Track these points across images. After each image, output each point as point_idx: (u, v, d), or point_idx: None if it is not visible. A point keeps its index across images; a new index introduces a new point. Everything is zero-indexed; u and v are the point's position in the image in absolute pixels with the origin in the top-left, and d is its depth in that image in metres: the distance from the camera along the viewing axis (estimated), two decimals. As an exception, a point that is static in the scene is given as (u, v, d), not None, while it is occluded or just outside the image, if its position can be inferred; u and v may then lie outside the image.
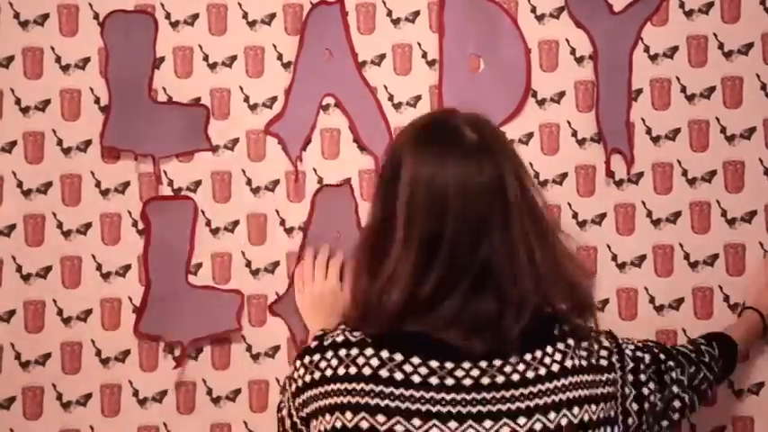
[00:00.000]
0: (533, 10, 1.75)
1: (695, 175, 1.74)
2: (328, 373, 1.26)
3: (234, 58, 1.74)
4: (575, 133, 1.74)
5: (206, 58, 1.74)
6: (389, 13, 1.75)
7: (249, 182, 1.74)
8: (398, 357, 1.24)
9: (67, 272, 1.72)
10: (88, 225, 1.73)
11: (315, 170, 1.74)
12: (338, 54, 1.74)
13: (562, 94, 1.75)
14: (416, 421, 1.21)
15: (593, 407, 1.26)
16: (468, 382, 1.24)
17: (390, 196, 1.28)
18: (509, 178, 1.27)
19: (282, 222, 1.73)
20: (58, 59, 1.73)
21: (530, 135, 1.74)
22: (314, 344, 1.30)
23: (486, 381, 1.24)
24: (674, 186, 1.74)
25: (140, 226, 1.72)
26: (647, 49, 1.75)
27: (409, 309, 1.25)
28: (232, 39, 1.74)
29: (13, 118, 1.73)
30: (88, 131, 1.73)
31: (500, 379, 1.24)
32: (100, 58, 1.73)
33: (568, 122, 1.74)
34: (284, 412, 1.35)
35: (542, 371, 1.25)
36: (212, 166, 1.74)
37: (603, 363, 1.31)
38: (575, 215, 1.73)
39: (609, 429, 1.27)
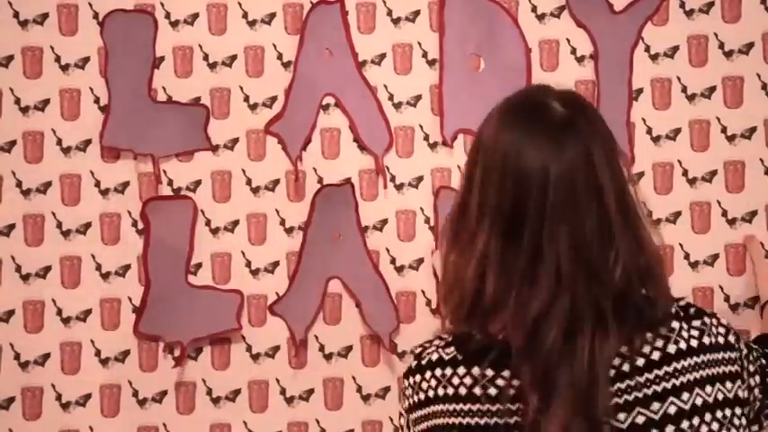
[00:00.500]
0: (534, 9, 1.75)
1: (696, 175, 1.74)
2: (430, 394, 1.23)
3: (234, 57, 1.74)
4: (575, 133, 1.74)
5: (206, 57, 1.74)
6: (389, 13, 1.75)
7: (249, 182, 1.73)
8: (489, 373, 1.19)
9: (67, 272, 1.72)
10: (88, 225, 1.72)
11: (315, 170, 1.73)
12: (338, 54, 1.74)
13: (562, 93, 1.74)
14: None
15: (721, 385, 1.18)
16: None
17: (470, 171, 1.22)
18: (597, 158, 1.17)
19: (282, 222, 1.73)
20: (58, 59, 1.73)
21: (530, 135, 1.74)
22: (414, 363, 1.27)
23: None
24: (675, 186, 1.74)
25: (140, 226, 1.72)
26: (647, 49, 1.74)
27: (497, 303, 1.18)
28: (232, 38, 1.74)
29: (12, 117, 1.72)
30: (88, 131, 1.73)
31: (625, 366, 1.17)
32: (99, 57, 1.73)
33: (569, 122, 1.74)
34: (401, 421, 1.31)
35: (672, 348, 1.17)
36: (212, 166, 1.73)
37: (721, 340, 1.21)
38: (575, 215, 1.73)
39: (738, 410, 1.19)
